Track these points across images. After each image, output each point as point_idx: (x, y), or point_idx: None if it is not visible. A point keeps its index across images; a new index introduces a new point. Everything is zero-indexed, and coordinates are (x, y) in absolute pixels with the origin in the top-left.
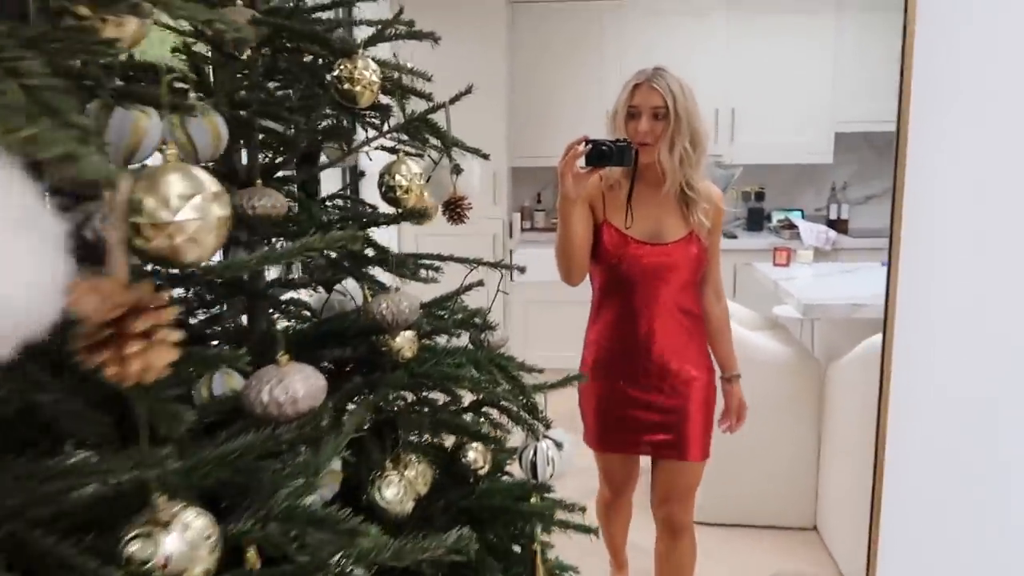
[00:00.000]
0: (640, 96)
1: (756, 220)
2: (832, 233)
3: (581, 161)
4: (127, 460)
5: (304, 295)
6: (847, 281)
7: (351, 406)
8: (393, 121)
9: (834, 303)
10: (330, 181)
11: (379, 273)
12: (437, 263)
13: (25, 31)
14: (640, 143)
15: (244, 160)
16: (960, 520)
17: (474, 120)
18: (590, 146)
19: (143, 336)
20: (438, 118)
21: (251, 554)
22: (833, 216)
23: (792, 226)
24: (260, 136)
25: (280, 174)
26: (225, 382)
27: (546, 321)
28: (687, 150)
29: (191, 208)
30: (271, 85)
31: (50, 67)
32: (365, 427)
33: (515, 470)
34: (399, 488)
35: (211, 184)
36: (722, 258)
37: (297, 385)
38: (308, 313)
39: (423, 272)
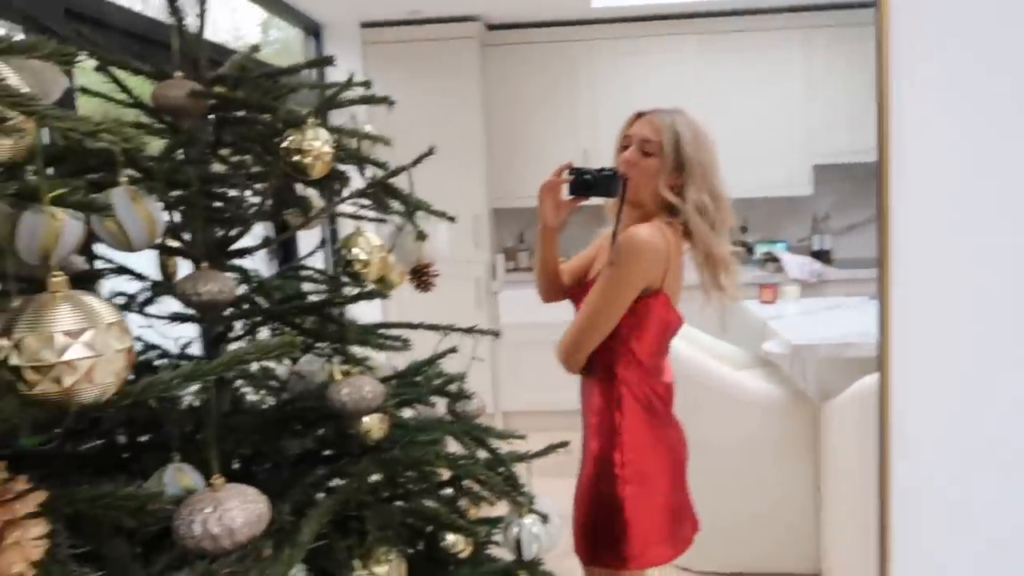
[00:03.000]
0: (635, 127)
1: (739, 254)
2: (817, 265)
3: (567, 190)
4: None
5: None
6: (835, 318)
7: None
8: (355, 186)
9: (823, 343)
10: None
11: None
12: (405, 331)
13: None
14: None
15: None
16: (973, 561)
17: (452, 164)
18: (572, 175)
19: None
20: (402, 181)
21: None
22: (817, 247)
23: (776, 259)
24: (209, 212)
25: (238, 247)
26: (177, 480)
27: (537, 363)
28: (706, 204)
29: (82, 345)
30: (225, 153)
31: None
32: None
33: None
34: None
35: (107, 313)
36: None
37: (234, 513)
38: (277, 384)
39: (391, 342)
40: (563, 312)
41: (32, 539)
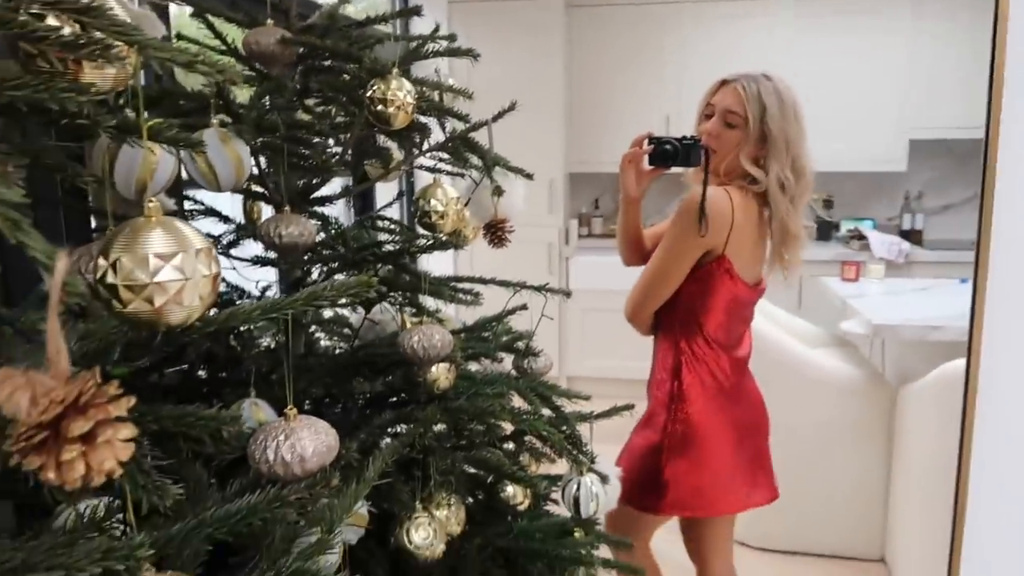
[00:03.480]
0: (720, 95)
1: (824, 230)
2: (905, 245)
3: (647, 161)
4: (95, 550)
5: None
6: (921, 300)
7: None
8: (434, 140)
9: (907, 324)
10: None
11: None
12: (476, 286)
13: None
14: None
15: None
16: None
17: (531, 126)
18: (652, 145)
19: (86, 438)
20: (481, 136)
21: None
22: (907, 226)
23: (862, 237)
24: (293, 159)
25: (319, 194)
26: (253, 413)
27: (604, 330)
28: (788, 179)
29: (172, 268)
30: (311, 103)
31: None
32: (396, 460)
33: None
34: (429, 531)
35: (197, 240)
36: None
37: (305, 443)
38: (349, 331)
39: (463, 295)
40: (634, 281)
41: (122, 440)
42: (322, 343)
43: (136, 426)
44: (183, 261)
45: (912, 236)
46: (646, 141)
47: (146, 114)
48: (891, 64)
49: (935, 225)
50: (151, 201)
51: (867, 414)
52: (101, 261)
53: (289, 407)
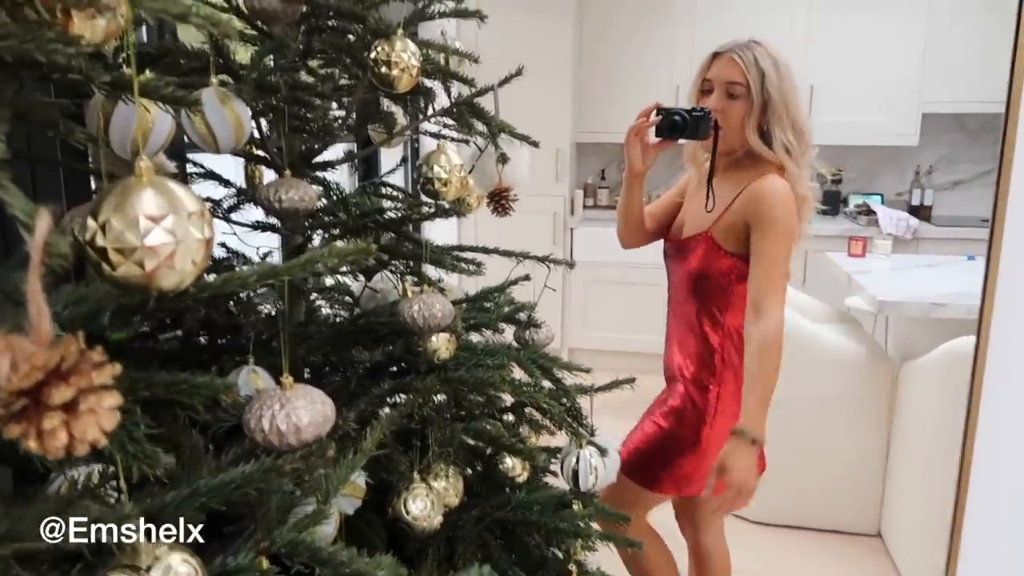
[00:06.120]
0: (716, 68)
1: (832, 204)
2: (913, 221)
3: (654, 132)
4: (85, 511)
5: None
6: (928, 277)
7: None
8: (439, 105)
9: (912, 300)
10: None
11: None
12: (479, 256)
13: None
14: None
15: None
16: None
17: (538, 94)
18: (660, 116)
19: (68, 406)
20: (487, 102)
21: None
22: (916, 202)
23: (870, 212)
24: (295, 121)
25: (322, 159)
26: (250, 382)
27: (607, 302)
28: (791, 143)
29: (163, 230)
30: (314, 65)
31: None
32: (395, 430)
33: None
34: (426, 502)
35: (190, 202)
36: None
37: (301, 413)
38: (350, 299)
39: (465, 265)
40: (638, 254)
41: (107, 409)
42: (323, 311)
43: (128, 393)
44: (175, 223)
45: (921, 212)
46: (654, 112)
47: (146, 72)
48: (907, 34)
49: (944, 201)
50: (142, 160)
51: (868, 390)
52: (90, 222)
53: (285, 375)
